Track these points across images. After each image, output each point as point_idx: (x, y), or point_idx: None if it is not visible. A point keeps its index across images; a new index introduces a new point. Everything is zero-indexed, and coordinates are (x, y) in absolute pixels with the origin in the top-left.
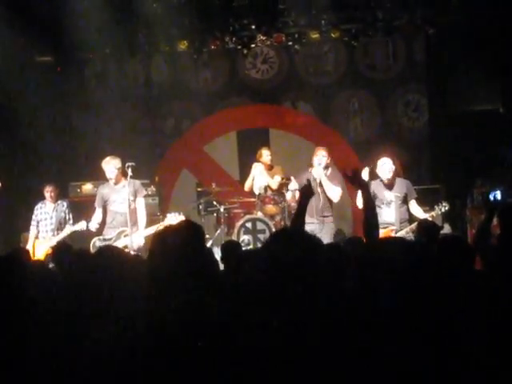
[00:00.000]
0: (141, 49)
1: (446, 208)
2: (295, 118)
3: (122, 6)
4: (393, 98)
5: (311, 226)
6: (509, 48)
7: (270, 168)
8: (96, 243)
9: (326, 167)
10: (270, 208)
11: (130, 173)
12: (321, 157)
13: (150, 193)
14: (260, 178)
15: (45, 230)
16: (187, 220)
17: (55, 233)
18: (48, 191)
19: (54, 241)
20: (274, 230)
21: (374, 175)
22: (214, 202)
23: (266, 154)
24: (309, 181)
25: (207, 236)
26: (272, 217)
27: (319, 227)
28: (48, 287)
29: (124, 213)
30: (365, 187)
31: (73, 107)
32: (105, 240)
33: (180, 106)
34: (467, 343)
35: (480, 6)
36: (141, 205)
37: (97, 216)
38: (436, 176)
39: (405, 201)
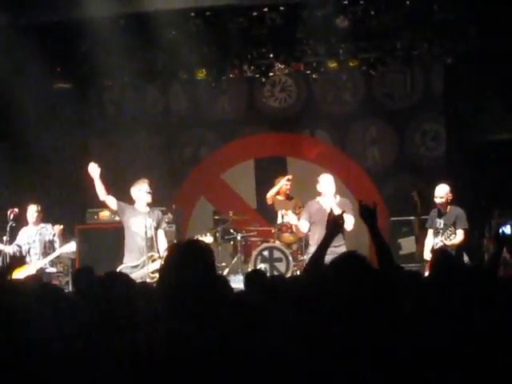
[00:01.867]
0: (159, 76)
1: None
2: (313, 146)
3: (140, 34)
4: (410, 128)
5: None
6: None
7: (288, 198)
8: (123, 271)
9: (334, 194)
10: (287, 237)
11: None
12: (329, 184)
13: (167, 220)
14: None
15: (28, 255)
16: (192, 240)
17: (40, 257)
18: (33, 212)
19: (40, 265)
20: (290, 258)
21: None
22: (231, 230)
23: (285, 184)
24: (338, 211)
25: (223, 264)
26: (289, 245)
27: (331, 258)
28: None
29: (144, 237)
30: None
31: (91, 134)
32: (132, 268)
33: (198, 134)
34: None
35: (497, 35)
36: (162, 236)
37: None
38: (453, 205)
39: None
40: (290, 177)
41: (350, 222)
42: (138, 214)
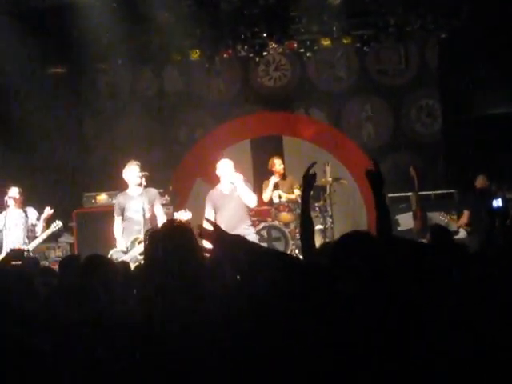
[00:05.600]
0: (153, 58)
1: None
2: (308, 125)
3: (133, 16)
4: (406, 104)
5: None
6: None
7: (283, 177)
8: (113, 256)
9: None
10: (285, 216)
11: (143, 182)
12: (224, 167)
13: (164, 202)
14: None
15: (11, 241)
16: (172, 220)
17: (26, 241)
18: (13, 194)
19: (28, 249)
20: (289, 237)
21: None
22: None
23: (278, 163)
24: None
25: None
26: (287, 224)
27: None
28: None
29: (139, 221)
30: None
31: (86, 118)
32: (122, 252)
33: (193, 115)
34: None
35: (492, 10)
36: (160, 212)
37: (118, 228)
38: (451, 181)
39: None
40: (277, 161)
41: (251, 197)
42: (131, 199)
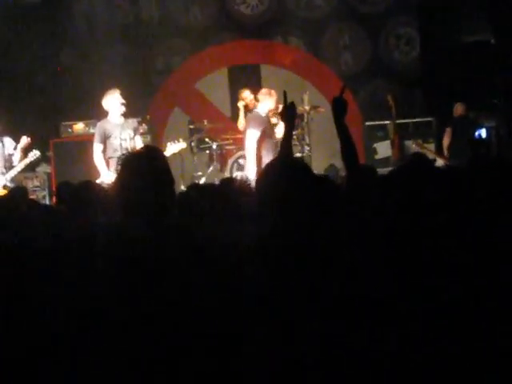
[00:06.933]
0: None
1: None
2: (286, 53)
3: None
4: (384, 32)
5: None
6: None
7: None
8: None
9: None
10: None
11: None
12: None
13: (142, 131)
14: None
15: None
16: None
17: (3, 171)
18: None
19: (2, 181)
20: None
21: None
22: (207, 139)
23: (246, 95)
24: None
25: (199, 173)
26: None
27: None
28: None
29: (127, 149)
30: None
31: (62, 47)
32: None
33: (170, 44)
34: None
35: None
36: (139, 143)
37: (99, 156)
38: (428, 109)
39: None
40: (245, 93)
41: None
42: (115, 127)
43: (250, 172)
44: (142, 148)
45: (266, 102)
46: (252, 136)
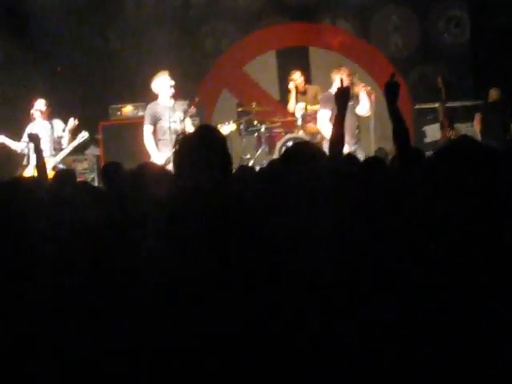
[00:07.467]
0: None
1: None
2: (335, 35)
3: None
4: (434, 14)
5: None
6: None
7: (302, 91)
8: None
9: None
10: (312, 127)
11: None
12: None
13: (190, 114)
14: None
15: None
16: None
17: (52, 153)
18: (40, 107)
19: (52, 162)
20: None
21: None
22: (255, 122)
23: (297, 77)
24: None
25: (248, 156)
26: (313, 135)
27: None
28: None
29: (177, 131)
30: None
31: (111, 30)
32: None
33: (219, 26)
34: None
35: None
36: (189, 125)
37: (150, 138)
38: (478, 92)
39: None
40: (295, 75)
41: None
42: (166, 109)
43: None
44: (198, 127)
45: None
46: (322, 116)
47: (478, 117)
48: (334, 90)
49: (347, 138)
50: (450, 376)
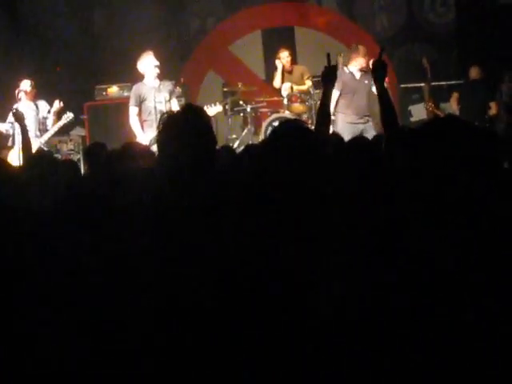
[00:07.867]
0: None
1: None
2: (320, 15)
3: None
4: None
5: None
6: None
7: (289, 71)
8: None
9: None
10: (297, 106)
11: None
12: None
13: (176, 94)
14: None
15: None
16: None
17: (37, 134)
18: (25, 87)
19: (40, 142)
20: None
21: None
22: (241, 102)
23: (284, 56)
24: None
25: (234, 136)
26: (299, 115)
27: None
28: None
29: (162, 112)
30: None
31: (96, 10)
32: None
33: (204, 5)
34: None
35: None
36: (175, 105)
37: (135, 119)
38: (464, 71)
39: None
40: (283, 53)
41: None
42: (151, 90)
43: None
44: (183, 107)
45: (358, 60)
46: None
47: (455, 95)
48: (353, 68)
49: (353, 116)
50: (449, 376)
